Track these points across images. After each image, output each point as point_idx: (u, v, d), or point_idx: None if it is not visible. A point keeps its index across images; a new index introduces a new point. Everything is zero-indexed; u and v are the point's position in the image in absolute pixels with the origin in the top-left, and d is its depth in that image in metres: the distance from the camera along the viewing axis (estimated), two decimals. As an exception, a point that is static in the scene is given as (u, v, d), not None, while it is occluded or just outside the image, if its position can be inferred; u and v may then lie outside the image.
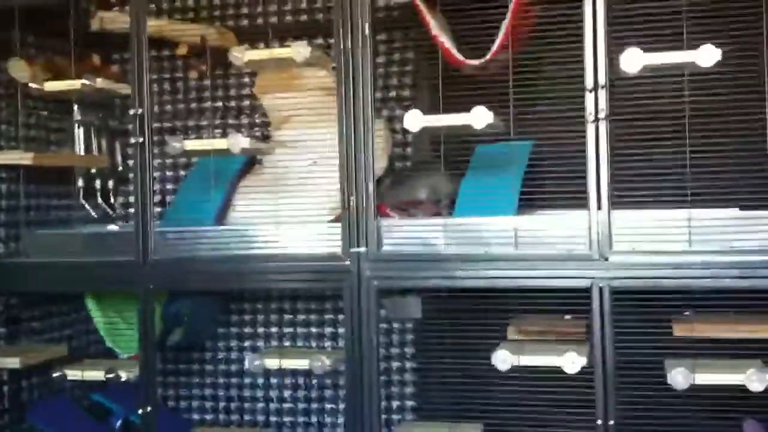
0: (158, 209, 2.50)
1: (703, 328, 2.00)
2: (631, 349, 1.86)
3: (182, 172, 2.71)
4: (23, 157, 2.29)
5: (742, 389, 1.78)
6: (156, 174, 2.36)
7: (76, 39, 2.35)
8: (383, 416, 2.02)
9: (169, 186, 2.73)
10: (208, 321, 2.60)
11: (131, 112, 2.15)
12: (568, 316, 2.09)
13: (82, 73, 2.33)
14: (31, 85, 2.30)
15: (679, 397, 1.83)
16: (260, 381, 2.66)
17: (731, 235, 1.78)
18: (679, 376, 1.78)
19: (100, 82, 2.26)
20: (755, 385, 1.75)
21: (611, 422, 1.80)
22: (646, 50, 1.78)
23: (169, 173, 2.74)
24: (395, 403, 2.53)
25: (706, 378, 1.79)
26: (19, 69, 2.32)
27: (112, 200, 2.69)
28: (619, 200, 1.87)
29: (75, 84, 2.24)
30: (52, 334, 2.53)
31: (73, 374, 2.23)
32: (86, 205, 2.60)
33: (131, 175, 2.69)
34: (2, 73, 2.36)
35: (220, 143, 2.16)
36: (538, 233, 1.91)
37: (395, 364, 2.53)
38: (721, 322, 2.00)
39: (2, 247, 2.37)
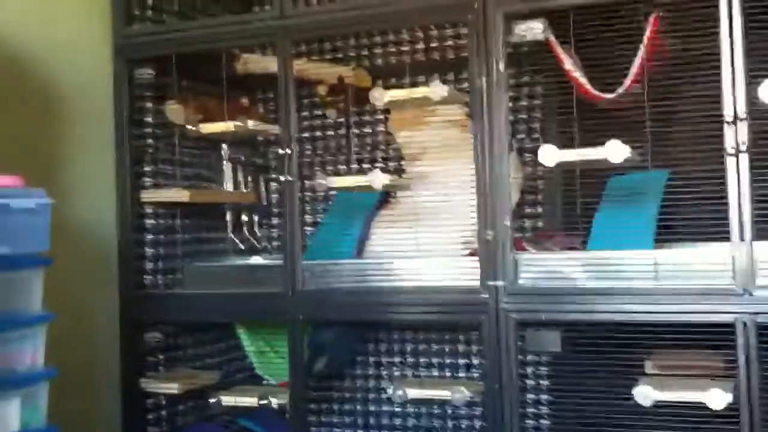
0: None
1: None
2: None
3: (321, 206, 2.85)
4: (181, 195, 2.46)
5: None
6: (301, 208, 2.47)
7: (225, 82, 2.53)
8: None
9: (308, 218, 2.86)
10: (348, 350, 2.70)
11: (280, 151, 2.28)
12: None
13: (232, 114, 2.50)
14: (188, 127, 2.46)
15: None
16: (397, 409, 2.72)
17: None
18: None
19: (251, 124, 2.41)
20: None
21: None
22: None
23: (308, 207, 2.87)
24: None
25: None
26: (175, 112, 2.51)
27: (257, 233, 2.86)
28: (762, 232, 1.84)
29: (229, 126, 2.39)
30: (204, 360, 2.68)
31: (227, 400, 2.34)
32: (234, 238, 2.77)
33: (275, 210, 2.90)
34: (161, 116, 2.56)
35: (361, 180, 2.27)
36: (678, 266, 1.90)
37: (531, 396, 2.55)
38: None
39: (162, 279, 2.54)
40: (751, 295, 1.82)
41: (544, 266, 2.03)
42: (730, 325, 1.82)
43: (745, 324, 1.81)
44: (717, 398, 1.83)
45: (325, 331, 2.48)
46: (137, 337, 2.44)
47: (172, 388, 2.37)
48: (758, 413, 1.79)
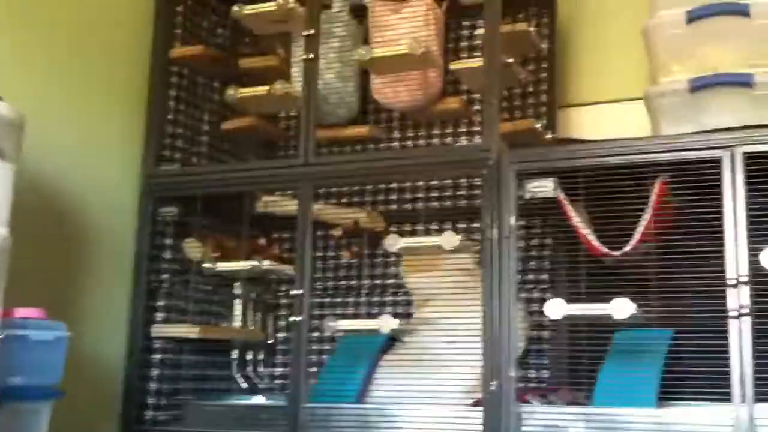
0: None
1: None
2: None
3: (326, 346, 2.87)
4: (191, 331, 2.50)
5: None
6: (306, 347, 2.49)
7: (244, 221, 2.62)
8: None
9: (313, 358, 2.87)
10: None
11: (293, 292, 2.34)
12: None
13: (248, 253, 2.57)
14: (204, 264, 2.53)
15: None
16: None
17: None
18: None
19: (266, 264, 2.48)
20: None
21: None
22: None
23: (314, 346, 2.88)
24: None
25: None
26: (193, 249, 2.58)
27: (260, 371, 2.87)
28: (762, 394, 1.86)
29: (245, 265, 2.46)
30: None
31: None
32: (239, 377, 2.78)
33: (280, 347, 2.92)
34: (179, 252, 2.63)
35: (371, 323, 2.30)
36: (680, 427, 1.91)
37: None
38: None
39: (164, 416, 2.53)
40: (754, 459, 1.81)
41: (546, 420, 2.04)
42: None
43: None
44: None
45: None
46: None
47: None
48: None
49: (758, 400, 1.85)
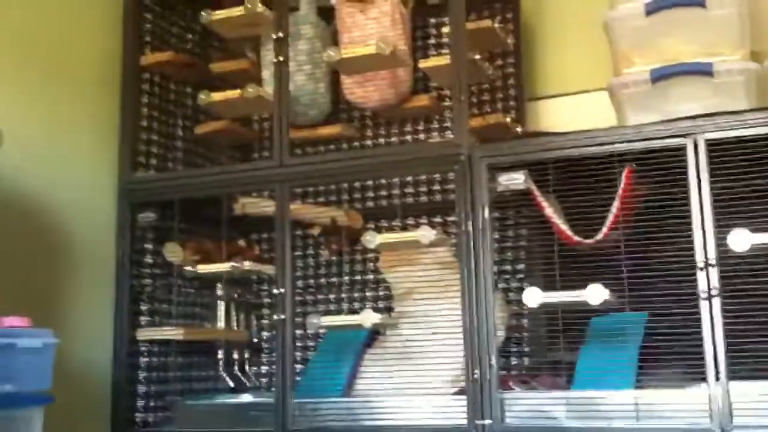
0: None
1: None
2: None
3: (310, 343, 2.92)
4: (176, 333, 2.53)
5: None
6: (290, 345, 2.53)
7: (222, 223, 2.65)
8: None
9: (298, 355, 2.91)
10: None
11: (275, 291, 2.38)
12: None
13: (229, 255, 2.61)
14: (185, 268, 2.56)
15: None
16: None
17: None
18: None
19: (246, 265, 2.51)
20: None
21: None
22: (754, 230, 1.90)
23: (299, 344, 2.93)
24: None
25: None
26: (174, 253, 2.61)
27: (246, 370, 2.91)
28: (737, 372, 1.93)
29: (225, 267, 2.49)
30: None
31: None
32: (225, 376, 2.82)
33: (265, 346, 2.96)
34: (160, 256, 2.66)
35: (353, 319, 2.35)
36: (658, 407, 1.97)
37: None
38: None
39: (153, 417, 2.56)
40: (727, 435, 1.88)
41: (529, 405, 2.10)
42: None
43: (722, 464, 1.87)
44: None
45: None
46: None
47: None
48: None
49: (732, 378, 1.92)
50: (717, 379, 1.92)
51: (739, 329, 1.98)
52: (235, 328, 2.89)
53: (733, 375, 1.92)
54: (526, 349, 2.66)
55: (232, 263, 2.50)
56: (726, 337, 1.93)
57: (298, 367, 2.81)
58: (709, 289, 1.96)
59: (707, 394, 1.93)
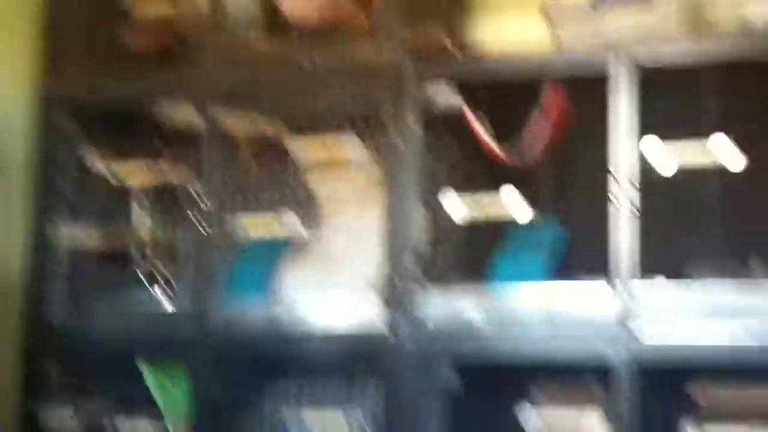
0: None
1: (724, 396, 2.09)
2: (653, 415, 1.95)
3: (233, 253, 2.88)
4: (92, 235, 2.50)
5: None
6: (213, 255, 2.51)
7: (145, 132, 2.58)
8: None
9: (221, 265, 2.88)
10: (245, 389, 2.71)
11: (199, 202, 2.34)
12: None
13: (151, 165, 2.54)
14: (104, 171, 2.49)
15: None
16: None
17: (743, 307, 1.90)
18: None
19: (167, 171, 2.46)
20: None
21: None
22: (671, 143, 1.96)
23: (221, 254, 2.89)
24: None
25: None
26: (93, 159, 2.54)
27: (168, 278, 2.87)
28: (644, 275, 2.01)
29: (145, 172, 2.43)
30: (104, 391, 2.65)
31: (123, 427, 2.42)
32: (145, 282, 2.78)
33: (186, 254, 2.92)
34: (78, 159, 2.58)
35: (276, 228, 2.33)
36: (568, 307, 2.05)
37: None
38: (742, 391, 2.10)
39: (68, 315, 2.53)
40: (629, 332, 1.96)
41: (444, 306, 2.15)
42: (610, 360, 1.96)
43: (624, 361, 1.95)
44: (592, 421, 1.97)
45: (226, 371, 2.50)
46: (39, 368, 2.42)
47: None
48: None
49: (636, 278, 1.99)
50: (622, 280, 1.98)
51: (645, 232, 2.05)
52: (157, 235, 2.85)
53: (638, 275, 1.99)
54: (448, 259, 2.69)
55: (152, 168, 2.44)
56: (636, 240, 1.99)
57: (221, 276, 2.80)
58: (622, 192, 1.99)
59: (612, 294, 1.99)
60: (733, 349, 1.90)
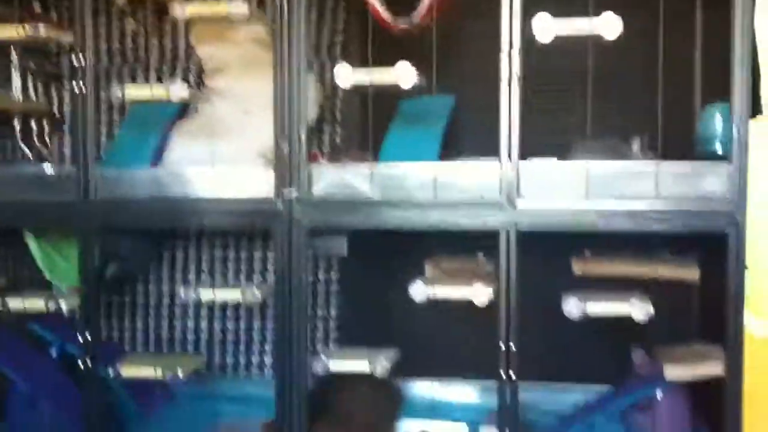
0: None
1: (598, 267, 2.26)
2: (533, 284, 2.06)
3: (116, 116, 2.81)
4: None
5: (630, 321, 2.02)
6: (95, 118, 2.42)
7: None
8: (308, 345, 2.19)
9: (103, 129, 2.81)
10: (143, 256, 2.73)
11: (74, 62, 2.23)
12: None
13: (23, 20, 2.39)
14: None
15: (574, 327, 2.06)
16: (192, 313, 2.83)
17: (622, 184, 2.00)
18: (572, 306, 2.02)
19: (42, 30, 2.32)
20: (637, 314, 2.01)
21: (512, 348, 2.03)
22: (557, 16, 1.97)
23: (104, 117, 2.82)
24: (320, 334, 2.75)
25: (596, 307, 2.03)
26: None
27: (47, 141, 2.78)
28: (527, 153, 2.06)
29: (18, 30, 2.29)
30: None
31: (14, 304, 2.33)
32: (23, 146, 2.68)
33: (66, 117, 2.82)
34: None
35: (159, 91, 2.27)
36: (455, 180, 2.09)
37: (321, 299, 2.74)
38: (615, 261, 2.27)
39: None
40: (514, 207, 2.04)
41: (335, 178, 2.16)
42: (497, 233, 2.05)
43: (508, 232, 2.04)
44: (481, 294, 2.07)
45: (118, 238, 2.49)
46: None
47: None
48: (514, 305, 2.04)
49: (522, 158, 2.05)
50: (509, 158, 2.04)
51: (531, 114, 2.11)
52: (34, 99, 2.72)
53: (523, 155, 2.05)
54: (337, 129, 2.71)
55: (26, 27, 2.30)
56: (521, 120, 2.03)
57: (105, 141, 2.74)
58: (510, 73, 2.03)
59: (499, 170, 2.05)
60: (608, 223, 2.00)
